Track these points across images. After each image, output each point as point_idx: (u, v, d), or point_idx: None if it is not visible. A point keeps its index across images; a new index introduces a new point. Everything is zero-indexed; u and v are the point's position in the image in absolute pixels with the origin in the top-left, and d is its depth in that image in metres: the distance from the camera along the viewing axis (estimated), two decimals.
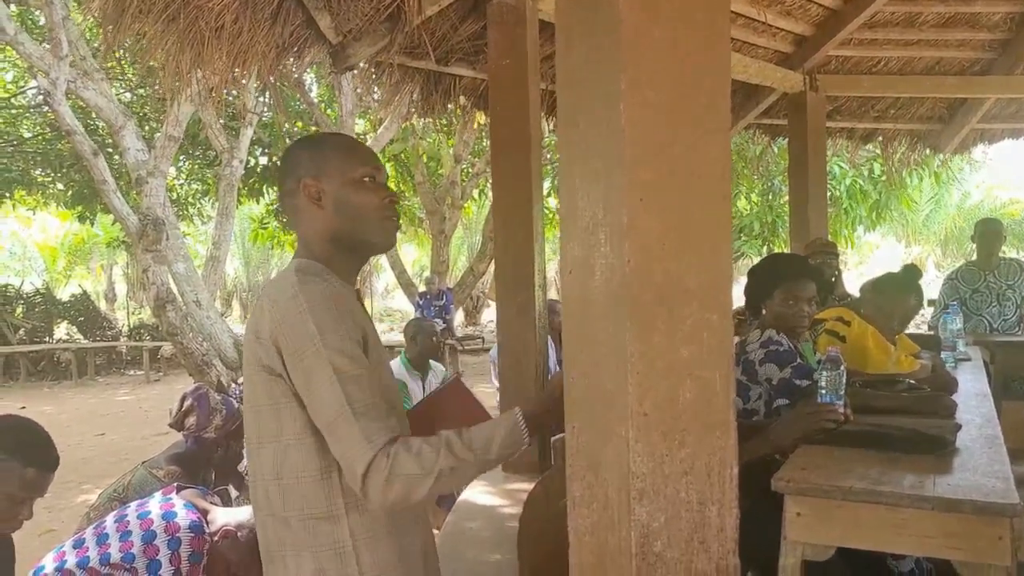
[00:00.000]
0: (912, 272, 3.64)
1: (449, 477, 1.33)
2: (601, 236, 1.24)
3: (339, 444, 1.31)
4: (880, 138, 6.75)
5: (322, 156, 1.53)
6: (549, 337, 4.41)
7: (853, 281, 6.06)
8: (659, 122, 1.25)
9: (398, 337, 12.36)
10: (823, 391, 2.44)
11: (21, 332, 15.27)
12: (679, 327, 1.23)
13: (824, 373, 2.44)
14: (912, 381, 3.09)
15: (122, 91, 11.29)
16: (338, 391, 1.31)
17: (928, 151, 6.94)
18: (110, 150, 10.53)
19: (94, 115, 9.13)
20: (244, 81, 4.39)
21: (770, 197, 13.82)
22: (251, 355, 1.42)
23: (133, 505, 2.45)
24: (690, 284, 1.24)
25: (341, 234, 1.50)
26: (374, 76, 4.34)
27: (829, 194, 12.95)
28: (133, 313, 20.00)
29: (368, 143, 11.41)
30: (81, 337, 15.95)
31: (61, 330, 16.70)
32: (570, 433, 1.32)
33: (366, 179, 1.52)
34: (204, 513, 2.44)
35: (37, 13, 9.39)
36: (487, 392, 9.13)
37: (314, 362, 1.32)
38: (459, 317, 17.86)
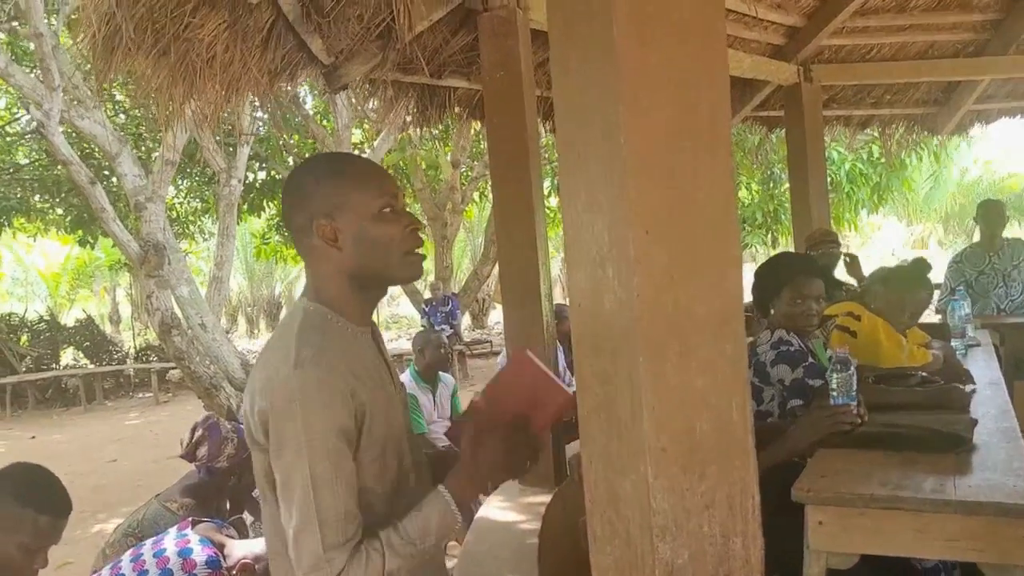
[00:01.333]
0: (921, 266, 3.62)
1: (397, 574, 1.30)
2: (609, 270, 1.23)
3: (299, 553, 1.27)
4: (877, 124, 6.74)
5: (335, 190, 1.38)
6: (557, 342, 4.39)
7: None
8: (660, 150, 1.23)
9: (406, 345, 12.37)
10: (835, 393, 2.42)
11: (27, 360, 15.27)
12: (692, 357, 1.22)
13: (834, 375, 2.43)
14: (924, 374, 3.07)
15: (117, 112, 11.29)
16: (309, 500, 1.25)
17: (925, 134, 6.93)
18: (107, 172, 10.54)
19: (89, 141, 9.13)
20: (240, 104, 4.39)
21: (771, 185, 13.79)
22: (247, 420, 1.37)
23: (148, 543, 2.44)
24: (701, 313, 1.23)
25: (361, 273, 1.40)
26: (368, 92, 4.34)
27: (830, 179, 12.95)
28: (139, 335, 19.99)
29: (366, 155, 11.42)
30: (88, 362, 15.94)
31: (67, 356, 16.69)
32: (587, 468, 1.31)
33: (386, 210, 1.39)
34: (220, 547, 2.43)
35: (26, 42, 9.39)
36: None
37: (294, 462, 1.26)
38: (466, 321, 17.86)
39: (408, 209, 1.50)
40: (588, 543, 1.34)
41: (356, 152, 12.11)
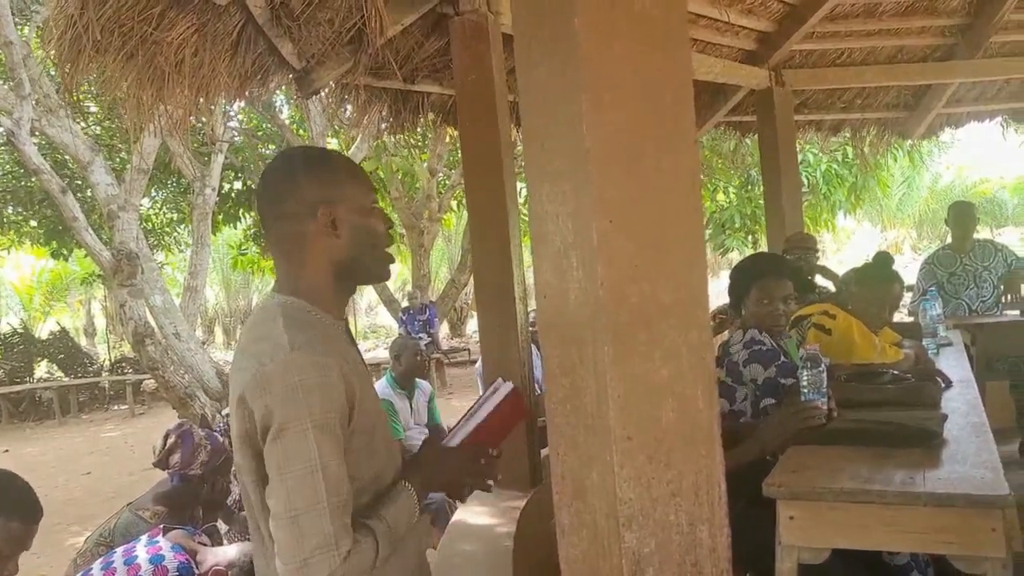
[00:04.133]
0: (886, 259, 3.67)
1: (382, 561, 1.31)
2: (573, 260, 1.23)
3: (299, 541, 1.23)
4: (848, 128, 6.81)
5: (333, 179, 1.42)
6: (534, 346, 4.39)
7: (835, 269, 6.10)
8: (623, 140, 1.23)
9: (383, 355, 12.31)
10: (805, 390, 2.44)
11: (0, 373, 15.06)
12: (657, 347, 1.22)
13: (805, 372, 2.45)
14: (896, 372, 3.10)
15: (91, 124, 11.18)
16: (318, 480, 1.24)
17: (896, 138, 7.01)
18: (80, 182, 10.41)
19: (61, 150, 9.03)
20: (212, 108, 4.36)
21: (748, 189, 13.89)
22: (236, 416, 1.34)
23: (119, 551, 2.41)
24: (666, 302, 1.23)
25: (348, 264, 1.42)
26: (341, 97, 4.32)
27: (806, 181, 13.08)
28: (114, 347, 19.77)
29: None
30: (62, 375, 15.74)
31: (41, 369, 16.48)
32: (555, 460, 1.30)
33: (374, 204, 1.46)
34: (193, 554, 2.40)
35: None
36: None
37: (298, 445, 1.24)
38: (444, 330, 17.81)
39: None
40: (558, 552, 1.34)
41: None
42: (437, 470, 1.44)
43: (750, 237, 14.20)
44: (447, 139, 10.78)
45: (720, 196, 14.39)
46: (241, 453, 1.35)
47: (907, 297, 5.75)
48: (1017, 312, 5.22)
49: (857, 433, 2.37)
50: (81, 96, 9.11)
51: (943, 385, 3.05)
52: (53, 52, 2.73)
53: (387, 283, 17.19)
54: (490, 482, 1.47)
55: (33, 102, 7.80)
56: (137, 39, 2.70)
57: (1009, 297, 5.26)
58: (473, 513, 3.27)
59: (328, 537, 1.23)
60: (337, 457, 1.27)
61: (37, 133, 8.31)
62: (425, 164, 13.87)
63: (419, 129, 5.04)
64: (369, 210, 1.44)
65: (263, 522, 1.35)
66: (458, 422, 1.55)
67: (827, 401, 2.43)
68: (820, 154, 12.87)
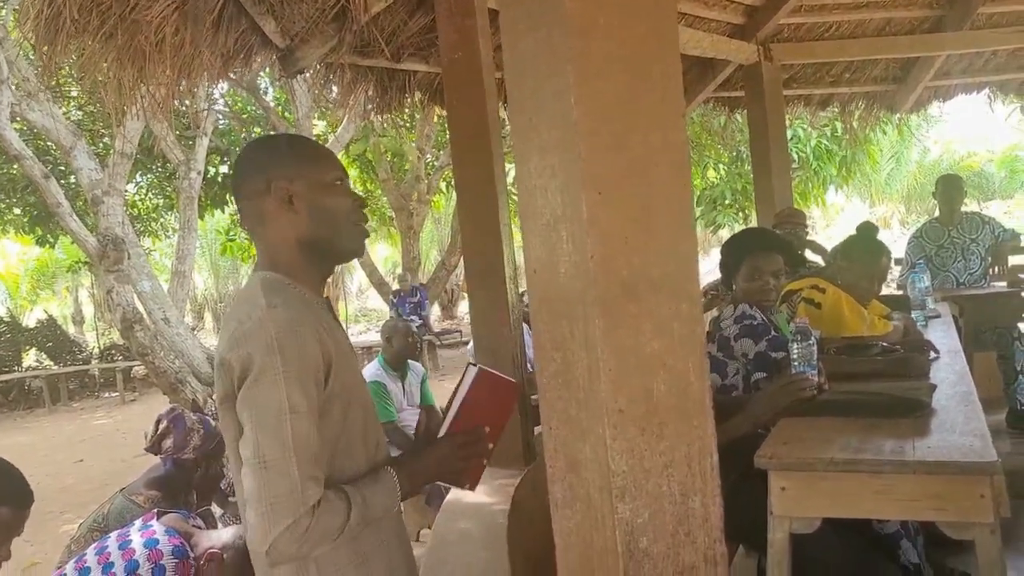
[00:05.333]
0: (870, 229, 3.68)
1: (348, 533, 1.31)
2: (563, 233, 1.22)
3: (266, 486, 1.24)
4: (837, 102, 6.80)
5: (293, 157, 1.47)
6: (526, 326, 4.39)
7: (824, 244, 6.11)
8: (611, 113, 1.22)
9: (375, 337, 12.31)
10: (796, 363, 2.45)
11: None
12: (648, 319, 1.21)
13: (795, 345, 2.46)
14: (885, 344, 3.12)
15: (72, 109, 11.06)
16: (287, 430, 1.26)
17: (885, 111, 7.00)
18: (63, 168, 10.31)
19: (44, 136, 8.93)
20: (194, 90, 4.31)
21: (738, 165, 13.87)
22: (218, 381, 1.37)
23: (113, 535, 2.40)
24: (656, 275, 1.22)
25: (312, 240, 1.45)
26: (326, 77, 4.28)
27: (797, 157, 13.08)
28: (103, 334, 19.68)
29: (329, 143, 11.30)
30: (51, 363, 15.67)
31: (30, 358, 16.40)
32: (547, 435, 1.30)
33: (337, 182, 1.49)
34: (187, 537, 2.39)
35: None
36: None
37: (270, 391, 1.27)
38: (435, 312, 17.81)
39: (358, 194, 1.56)
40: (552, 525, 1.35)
41: (319, 142, 11.99)
42: (423, 463, 1.48)
43: (741, 213, 14.20)
44: (435, 119, 10.73)
45: (711, 172, 14.38)
46: (224, 416, 1.37)
47: (896, 270, 5.78)
48: (1004, 284, 5.26)
49: (847, 404, 2.39)
50: (62, 80, 8.98)
51: (932, 356, 3.07)
52: (31, 34, 2.69)
53: (376, 266, 17.16)
54: (484, 461, 1.51)
55: (12, 86, 7.70)
56: (116, 18, 2.65)
57: (996, 269, 5.29)
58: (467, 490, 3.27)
59: (295, 483, 1.24)
60: (307, 408, 1.29)
61: (18, 118, 8.21)
62: (414, 144, 13.80)
63: (406, 109, 5.00)
64: (329, 186, 1.47)
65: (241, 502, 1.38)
66: (443, 419, 1.58)
67: (817, 374, 2.44)
68: (810, 129, 12.84)
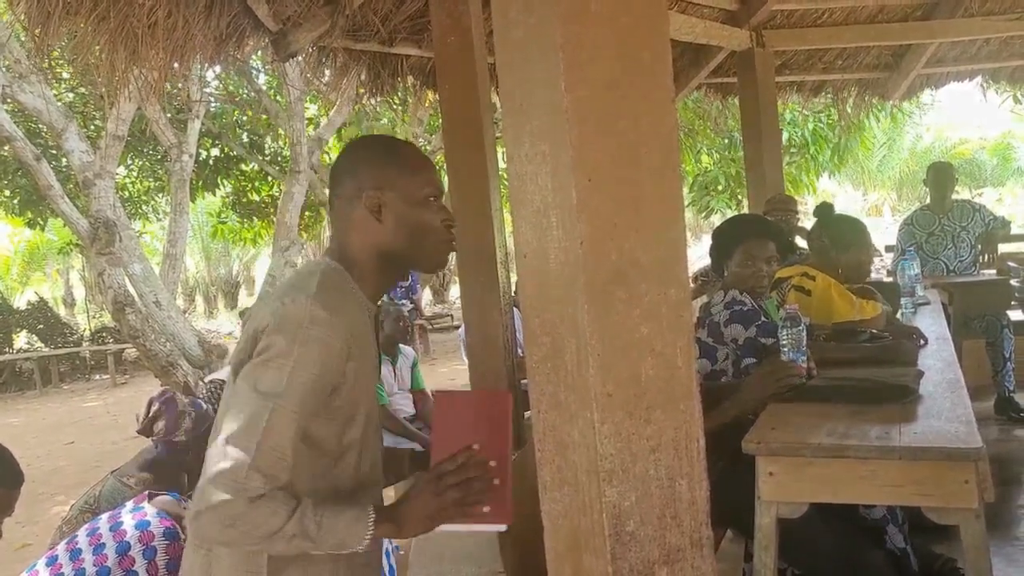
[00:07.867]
0: (832, 208, 3.72)
1: (282, 544, 1.25)
2: (553, 219, 1.23)
3: (221, 458, 1.22)
4: (829, 89, 6.80)
5: (389, 167, 1.46)
6: (516, 310, 4.39)
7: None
8: (602, 99, 1.23)
9: None
10: (785, 349, 2.47)
11: None
12: (637, 304, 1.22)
13: (785, 331, 2.47)
14: (874, 331, 3.14)
15: (64, 91, 10.97)
16: (265, 417, 1.24)
17: (877, 98, 7.01)
18: (54, 151, 10.24)
19: (35, 118, 8.86)
20: (187, 72, 4.29)
21: (731, 150, 13.85)
22: (239, 351, 1.36)
23: (104, 517, 2.41)
24: (645, 260, 1.23)
25: (394, 251, 1.45)
26: (319, 61, 4.26)
27: (794, 141, 13.07)
28: (94, 317, 19.63)
29: (320, 127, 11.25)
30: (42, 345, 15.63)
31: (21, 340, 16.35)
32: (536, 419, 1.32)
33: (430, 199, 1.47)
34: (178, 519, 2.40)
35: None
36: (459, 370, 9.14)
37: (272, 375, 1.27)
38: (427, 296, 17.80)
39: (449, 210, 1.53)
40: (540, 509, 1.35)
41: (311, 125, 11.94)
42: (410, 505, 1.36)
43: (734, 199, 14.21)
44: (427, 103, 10.69)
45: (704, 158, 14.37)
46: (230, 387, 1.36)
47: (887, 257, 5.81)
48: (994, 272, 5.30)
49: (835, 390, 2.41)
50: (53, 62, 8.91)
51: (920, 343, 3.10)
52: (22, 15, 2.67)
53: None
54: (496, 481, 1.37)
55: (3, 68, 7.63)
56: (108, 0, 2.64)
57: (986, 257, 5.32)
58: None
59: (242, 469, 1.21)
60: (296, 413, 1.27)
61: (9, 100, 8.14)
62: (407, 125, 13.75)
63: (398, 93, 4.98)
64: (421, 202, 1.46)
65: None
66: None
67: (806, 360, 2.46)
68: (806, 113, 12.83)
